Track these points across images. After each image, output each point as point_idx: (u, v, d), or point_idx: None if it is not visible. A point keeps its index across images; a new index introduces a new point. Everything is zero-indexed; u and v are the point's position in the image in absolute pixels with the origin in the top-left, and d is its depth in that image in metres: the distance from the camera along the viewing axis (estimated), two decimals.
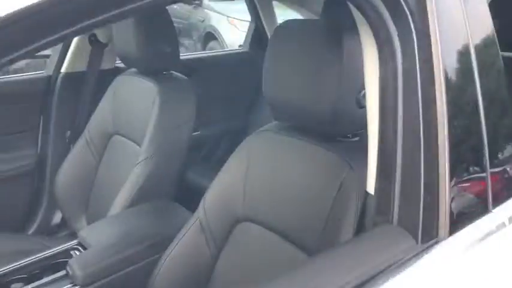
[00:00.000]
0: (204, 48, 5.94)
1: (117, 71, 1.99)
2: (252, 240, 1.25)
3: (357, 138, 1.13)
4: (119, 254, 1.34)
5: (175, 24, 6.45)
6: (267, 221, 1.22)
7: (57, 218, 2.07)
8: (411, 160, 0.76)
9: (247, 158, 1.28)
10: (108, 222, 1.52)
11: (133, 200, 1.58)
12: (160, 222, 1.50)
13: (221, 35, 5.58)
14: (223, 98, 2.47)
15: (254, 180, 1.26)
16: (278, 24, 1.24)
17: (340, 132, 1.12)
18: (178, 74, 1.80)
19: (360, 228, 0.91)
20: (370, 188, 0.84)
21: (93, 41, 2.00)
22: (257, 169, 1.26)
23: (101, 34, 2.00)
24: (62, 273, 1.32)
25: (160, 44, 1.67)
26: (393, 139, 0.78)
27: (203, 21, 6.06)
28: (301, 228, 1.14)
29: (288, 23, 1.20)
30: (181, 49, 6.50)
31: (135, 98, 1.79)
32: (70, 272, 1.28)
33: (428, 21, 0.81)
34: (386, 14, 0.82)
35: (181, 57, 2.62)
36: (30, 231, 2.02)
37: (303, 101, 1.11)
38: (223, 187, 1.32)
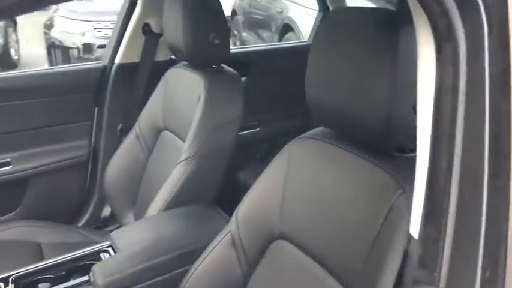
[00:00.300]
0: (280, 40, 5.79)
1: (171, 63, 1.90)
2: (287, 262, 1.09)
3: (413, 154, 0.93)
4: (145, 262, 1.24)
5: (255, 16, 6.42)
6: (303, 242, 1.05)
7: (106, 211, 2.04)
8: (470, 198, 0.56)
9: (286, 168, 1.12)
10: (140, 225, 1.44)
11: (171, 202, 1.48)
12: (193, 230, 1.38)
13: (298, 26, 5.39)
14: (285, 94, 2.31)
15: (293, 193, 1.10)
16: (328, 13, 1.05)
17: (393, 145, 0.93)
18: (228, 69, 1.66)
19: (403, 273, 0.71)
20: (414, 229, 0.64)
21: (147, 31, 1.92)
22: (297, 181, 1.10)
23: (154, 24, 1.92)
24: (85, 278, 1.25)
25: (208, 35, 1.54)
26: (447, 167, 0.58)
27: (281, 12, 5.90)
28: (340, 258, 0.97)
29: (338, 11, 1.02)
30: (259, 41, 6.43)
31: (183, 93, 1.69)
32: (91, 279, 1.20)
33: (507, 12, 0.59)
34: (449, 1, 0.62)
35: (241, 51, 2.52)
36: (81, 223, 2.01)
37: (350, 106, 0.93)
38: (258, 198, 1.17)
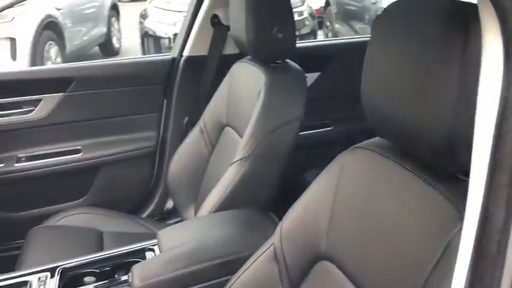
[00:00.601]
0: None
1: (240, 57, 1.83)
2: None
3: None
4: (185, 268, 1.18)
5: (348, 7, 6.22)
6: (350, 267, 0.93)
7: (170, 203, 2.03)
8: None
9: (337, 180, 1.00)
10: (188, 226, 1.39)
11: (223, 203, 1.41)
12: (240, 237, 1.30)
13: None
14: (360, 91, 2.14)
15: (342, 210, 0.97)
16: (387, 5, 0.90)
17: (456, 166, 0.76)
18: (293, 65, 1.55)
19: None
20: None
21: (216, 23, 1.86)
22: (347, 196, 0.97)
23: (223, 16, 1.85)
24: (127, 277, 1.23)
25: (272, 29, 1.43)
26: (504, 219, 0.42)
27: (375, 3, 5.61)
28: None
29: (401, 2, 0.86)
30: (351, 33, 6.21)
31: (244, 89, 1.61)
32: (129, 280, 1.17)
33: None
34: None
35: (319, 44, 2.37)
36: (145, 214, 2.02)
37: (408, 115, 0.79)
38: (305, 212, 1.06)
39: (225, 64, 1.85)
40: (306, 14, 5.79)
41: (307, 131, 2.19)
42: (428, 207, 0.79)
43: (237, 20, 1.52)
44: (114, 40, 7.16)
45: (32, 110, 1.80)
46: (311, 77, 2.15)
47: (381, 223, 0.88)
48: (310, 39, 5.70)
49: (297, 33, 5.75)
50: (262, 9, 1.44)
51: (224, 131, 1.74)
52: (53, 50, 5.17)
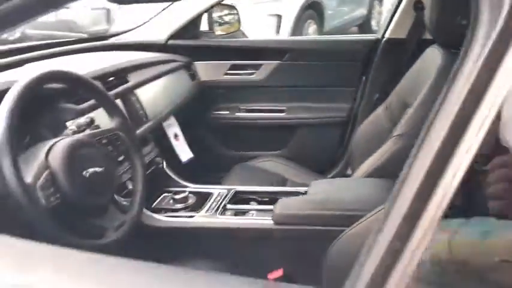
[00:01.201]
0: None
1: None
2: None
3: None
4: (315, 211, 1.42)
5: None
6: None
7: (350, 171, 2.23)
8: None
9: None
10: (337, 182, 1.60)
11: (371, 173, 1.57)
12: (368, 200, 1.44)
13: None
14: None
15: None
16: None
17: None
18: None
19: None
20: None
21: (419, 8, 1.92)
22: None
23: (427, 1, 1.90)
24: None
25: (455, 14, 1.47)
26: None
27: None
28: None
29: None
30: None
31: (426, 72, 1.68)
32: (274, 209, 1.47)
33: None
34: None
35: None
36: (328, 176, 2.28)
37: None
38: None
39: (422, 48, 1.91)
40: None
41: None
42: None
43: (428, 5, 1.59)
44: (373, 23, 7.35)
45: (254, 73, 2.25)
46: None
47: None
48: None
49: None
50: None
51: (406, 111, 1.83)
52: (311, 28, 5.72)
